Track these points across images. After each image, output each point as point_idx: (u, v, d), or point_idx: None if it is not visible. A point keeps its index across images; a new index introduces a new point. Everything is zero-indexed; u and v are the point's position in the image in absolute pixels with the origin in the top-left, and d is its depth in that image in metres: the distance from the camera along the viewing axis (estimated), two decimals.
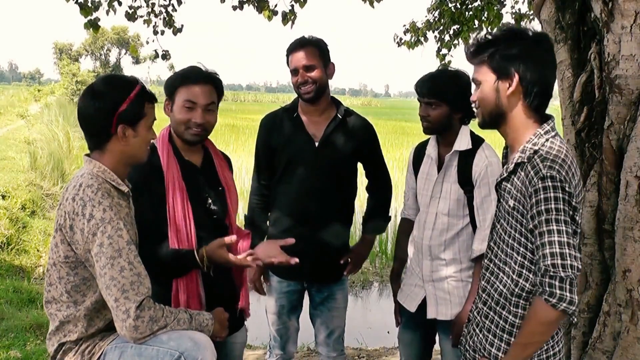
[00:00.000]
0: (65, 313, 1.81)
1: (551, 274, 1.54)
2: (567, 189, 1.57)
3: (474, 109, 1.81)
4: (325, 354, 2.80)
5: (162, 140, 2.22)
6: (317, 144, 2.59)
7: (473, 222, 2.30)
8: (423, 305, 2.40)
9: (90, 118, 1.81)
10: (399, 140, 18.95)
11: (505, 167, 1.79)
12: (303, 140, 2.60)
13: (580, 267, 1.55)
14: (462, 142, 2.30)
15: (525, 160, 1.66)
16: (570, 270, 1.53)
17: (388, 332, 4.76)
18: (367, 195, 2.88)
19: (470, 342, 1.90)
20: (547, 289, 1.54)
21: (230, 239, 2.11)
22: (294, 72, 2.57)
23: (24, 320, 4.44)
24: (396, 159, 14.18)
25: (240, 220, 3.76)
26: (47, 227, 7.71)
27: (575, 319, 1.74)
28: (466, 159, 2.28)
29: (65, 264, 1.78)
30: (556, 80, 2.67)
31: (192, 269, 2.15)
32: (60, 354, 1.84)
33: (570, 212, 1.58)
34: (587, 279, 2.53)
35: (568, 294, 1.53)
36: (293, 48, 2.58)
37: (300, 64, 2.54)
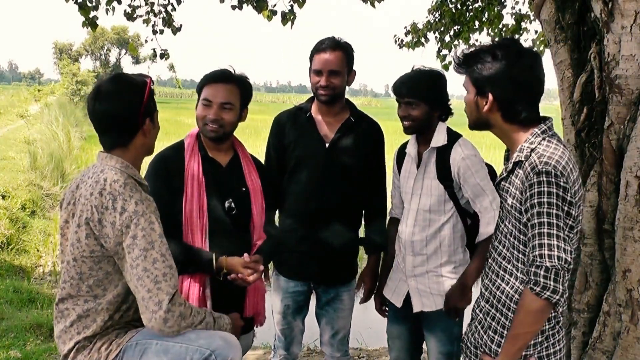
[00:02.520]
0: (84, 307, 1.81)
1: (537, 263, 1.60)
2: (561, 183, 1.62)
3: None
4: (329, 354, 2.80)
5: (190, 136, 2.36)
6: (327, 145, 2.59)
7: (462, 215, 2.32)
8: (408, 299, 2.43)
9: (118, 117, 1.83)
10: (399, 140, 18.83)
11: (505, 167, 1.84)
12: (314, 140, 2.60)
13: (569, 259, 1.59)
14: (439, 139, 2.34)
15: (523, 159, 1.71)
16: (556, 261, 1.58)
17: None
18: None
19: (472, 340, 1.92)
20: (533, 277, 1.60)
21: (248, 259, 2.20)
22: (318, 72, 2.53)
23: (24, 320, 4.44)
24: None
25: None
26: (47, 227, 7.71)
27: (561, 309, 1.75)
28: (443, 155, 2.32)
29: (89, 258, 1.78)
30: (556, 80, 2.69)
31: (204, 272, 2.19)
32: (73, 352, 1.83)
33: (565, 207, 1.63)
34: (587, 279, 2.52)
35: (551, 283, 1.58)
36: (323, 48, 2.53)
37: (327, 67, 2.51)
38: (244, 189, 2.34)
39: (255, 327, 2.51)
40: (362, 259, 2.85)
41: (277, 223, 2.77)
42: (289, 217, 2.68)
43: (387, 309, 2.66)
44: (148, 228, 1.72)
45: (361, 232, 2.85)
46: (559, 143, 1.72)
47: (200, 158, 2.29)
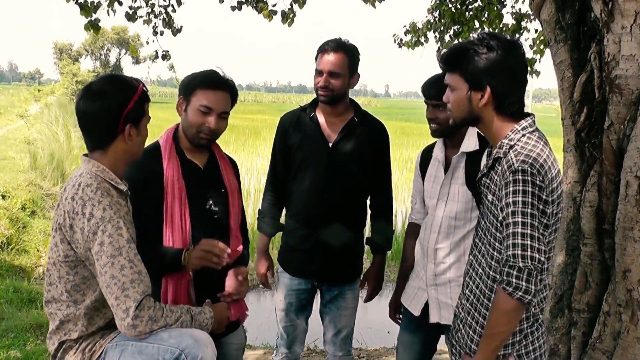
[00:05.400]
0: (65, 312, 1.82)
1: (510, 263, 1.59)
2: (537, 182, 1.60)
3: (447, 110, 1.86)
4: (332, 353, 2.80)
5: (166, 138, 2.26)
6: (330, 145, 2.60)
7: None
8: (425, 309, 2.39)
9: (96, 118, 1.80)
10: (399, 140, 18.96)
11: (485, 163, 1.84)
12: (317, 140, 2.61)
13: (543, 259, 1.59)
14: (470, 144, 2.29)
15: (502, 155, 1.71)
16: (529, 261, 1.57)
17: (388, 332, 4.77)
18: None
19: (456, 338, 1.93)
20: (505, 277, 1.59)
21: (213, 244, 2.10)
22: (319, 72, 2.56)
23: (24, 320, 4.44)
24: (396, 159, 14.20)
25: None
26: (47, 227, 7.71)
27: (539, 307, 1.76)
28: (474, 160, 2.27)
29: (65, 263, 1.78)
30: (556, 80, 2.68)
31: (176, 269, 2.12)
32: (60, 353, 1.85)
33: (540, 206, 1.61)
34: (587, 279, 2.52)
35: (524, 284, 1.57)
36: (326, 49, 2.55)
37: (327, 68, 2.52)
38: (222, 190, 2.31)
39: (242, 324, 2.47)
40: (371, 259, 2.88)
41: (283, 220, 2.82)
42: (293, 216, 2.72)
43: (400, 316, 2.63)
44: (115, 234, 1.70)
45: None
46: (539, 139, 1.71)
47: (179, 162, 2.22)
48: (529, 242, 1.58)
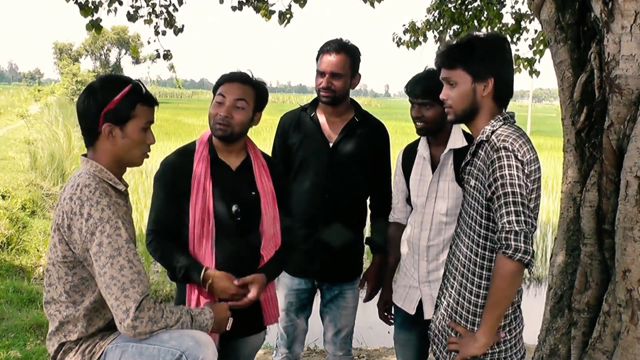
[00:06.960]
0: (64, 314, 1.81)
1: (507, 229, 1.70)
2: (519, 157, 1.75)
3: (445, 107, 1.97)
4: (332, 352, 2.81)
5: (201, 139, 2.31)
6: (331, 145, 2.60)
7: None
8: (419, 306, 2.41)
9: (81, 114, 1.84)
10: (398, 140, 18.93)
11: (469, 151, 1.98)
12: (318, 140, 2.62)
13: (535, 224, 1.73)
14: (457, 141, 2.32)
15: (484, 139, 1.85)
16: (524, 225, 1.69)
17: (388, 332, 4.77)
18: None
19: (439, 327, 2.01)
20: (504, 242, 1.70)
21: (236, 282, 2.15)
22: (321, 73, 2.56)
23: (24, 320, 4.44)
24: (396, 159, 14.17)
25: None
26: (47, 227, 7.71)
27: (532, 267, 1.88)
28: (462, 157, 2.28)
29: (63, 263, 1.78)
30: (556, 80, 2.69)
31: (193, 282, 2.17)
32: (60, 354, 1.84)
33: (524, 179, 1.75)
34: (587, 279, 2.52)
35: (522, 245, 1.68)
36: (327, 50, 2.55)
37: (329, 69, 2.53)
38: (253, 193, 2.29)
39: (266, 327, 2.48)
40: (371, 259, 2.89)
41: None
42: (294, 216, 2.69)
43: (390, 315, 2.64)
44: (114, 234, 1.70)
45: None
46: (518, 129, 1.88)
47: (210, 161, 2.24)
48: (520, 209, 1.70)
